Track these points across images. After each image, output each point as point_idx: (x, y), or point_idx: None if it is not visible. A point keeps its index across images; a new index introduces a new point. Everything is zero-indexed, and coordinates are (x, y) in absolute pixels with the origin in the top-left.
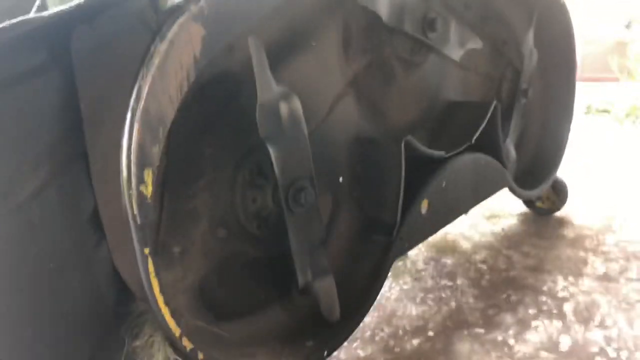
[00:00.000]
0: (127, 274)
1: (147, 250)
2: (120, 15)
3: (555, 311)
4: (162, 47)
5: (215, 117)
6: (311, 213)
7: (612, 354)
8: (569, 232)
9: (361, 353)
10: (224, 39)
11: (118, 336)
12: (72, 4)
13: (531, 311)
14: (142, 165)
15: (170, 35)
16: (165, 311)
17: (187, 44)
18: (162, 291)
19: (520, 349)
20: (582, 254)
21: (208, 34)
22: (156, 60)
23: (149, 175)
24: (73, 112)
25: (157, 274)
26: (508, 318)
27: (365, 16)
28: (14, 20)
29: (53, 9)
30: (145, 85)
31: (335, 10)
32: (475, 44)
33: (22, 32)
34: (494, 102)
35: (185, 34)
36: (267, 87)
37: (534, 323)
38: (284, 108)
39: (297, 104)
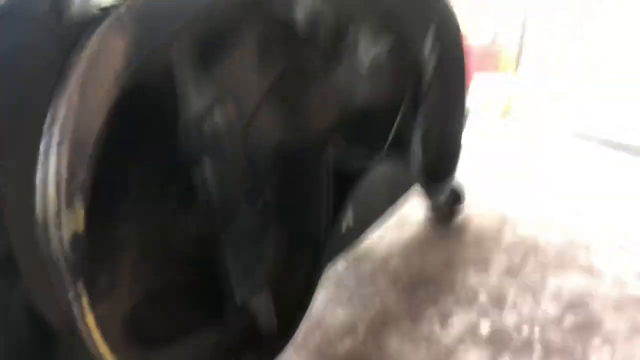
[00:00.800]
0: (51, 314)
1: (81, 285)
2: (19, 22)
3: (472, 299)
4: (82, 59)
5: (140, 134)
6: (246, 230)
7: (527, 332)
8: (470, 234)
9: (295, 358)
10: (152, 43)
11: None
12: None
13: (450, 299)
14: (71, 194)
15: (91, 44)
16: (103, 346)
17: (109, 54)
18: (98, 325)
19: (446, 336)
20: (485, 251)
21: (133, 41)
22: (77, 72)
23: (79, 207)
24: None
25: (93, 309)
26: (430, 310)
27: (280, 24)
28: None
29: None
30: (64, 104)
31: (252, 19)
32: (381, 47)
33: None
34: (402, 105)
35: (107, 43)
36: (194, 100)
37: (454, 309)
38: (215, 118)
39: (226, 116)
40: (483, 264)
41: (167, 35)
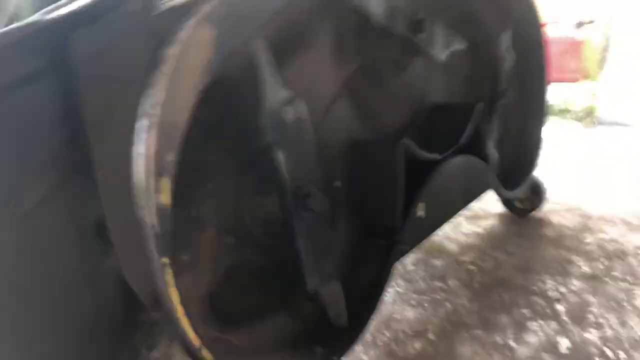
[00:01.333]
0: (137, 285)
1: (166, 260)
2: (118, 18)
3: (548, 311)
4: (173, 51)
5: (221, 122)
6: (319, 219)
7: (611, 355)
8: (550, 232)
9: (364, 357)
10: (235, 40)
11: (130, 347)
12: (70, 7)
13: (525, 311)
14: (159, 174)
15: (181, 37)
16: (185, 322)
17: (198, 47)
18: (180, 301)
19: (522, 351)
20: (565, 253)
21: (219, 36)
22: (168, 65)
23: (166, 184)
24: (74, 118)
25: (176, 284)
26: (504, 319)
27: (356, 17)
28: (12, 26)
29: (52, 14)
30: (158, 90)
31: (328, 11)
32: (459, 44)
33: (19, 38)
34: (478, 104)
35: (197, 36)
36: (273, 91)
37: (530, 324)
38: (289, 112)
39: (302, 108)
40: (562, 269)
41: (250, 30)
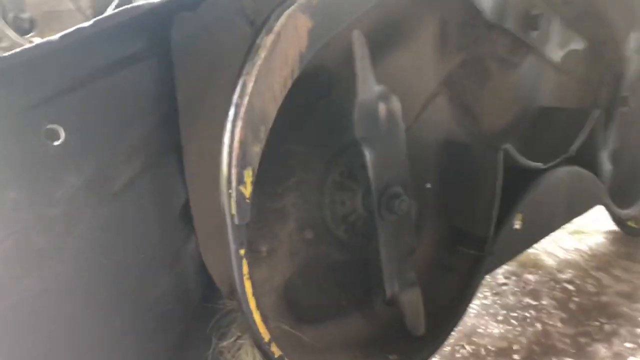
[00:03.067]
0: (215, 272)
1: (242, 251)
2: (218, 3)
3: None
4: (268, 40)
5: (307, 115)
6: (403, 221)
7: None
8: None
9: None
10: (332, 31)
11: (204, 332)
12: None
13: (628, 345)
14: (242, 165)
15: (277, 27)
16: (257, 315)
17: (294, 38)
18: (254, 294)
19: None
20: None
21: (315, 27)
22: (262, 54)
23: (248, 176)
24: (168, 102)
25: (251, 276)
26: (602, 350)
27: (465, 10)
28: (121, 8)
29: None
30: (249, 80)
31: (433, 3)
32: (576, 44)
33: (124, 19)
34: (594, 110)
35: (293, 27)
36: (368, 85)
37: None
38: (382, 108)
39: (396, 105)
40: None
41: (347, 22)
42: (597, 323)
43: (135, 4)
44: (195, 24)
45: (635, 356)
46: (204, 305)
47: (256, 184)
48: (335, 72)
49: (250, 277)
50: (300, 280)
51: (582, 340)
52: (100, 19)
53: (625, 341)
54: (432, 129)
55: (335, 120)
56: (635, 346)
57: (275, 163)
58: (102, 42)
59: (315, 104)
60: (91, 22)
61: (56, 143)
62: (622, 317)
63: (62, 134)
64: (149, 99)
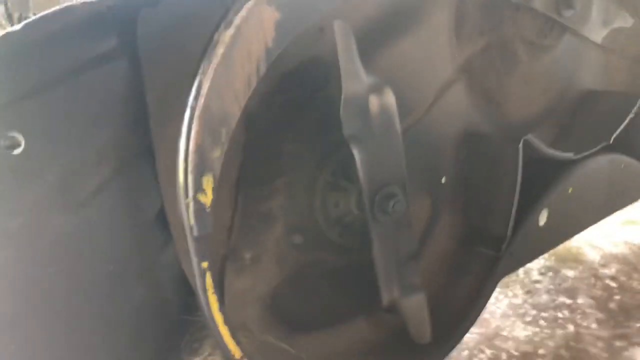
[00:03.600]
0: (194, 280)
1: (205, 265)
2: None
3: None
4: (226, 36)
5: (298, 110)
6: (400, 223)
7: None
8: None
9: None
10: (304, 23)
11: (176, 348)
12: None
13: None
14: (200, 171)
15: (237, 20)
16: (224, 331)
17: (257, 31)
18: (220, 309)
19: None
20: None
21: (283, 18)
22: (220, 51)
23: (208, 183)
24: (139, 103)
25: (217, 290)
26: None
27: None
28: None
29: None
30: (206, 80)
31: None
32: (623, 21)
33: (90, 14)
34: None
35: (256, 20)
36: (355, 77)
37: None
38: (374, 102)
39: (389, 98)
40: None
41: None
42: (638, 325)
43: None
44: (162, 19)
45: None
46: (182, 317)
47: (241, 185)
48: (333, 64)
49: (222, 290)
50: (290, 288)
51: (618, 343)
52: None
53: None
54: (448, 119)
55: (330, 115)
56: None
57: (262, 163)
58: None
59: (310, 98)
60: (50, 15)
61: (16, 152)
62: None
63: (22, 142)
64: (119, 101)
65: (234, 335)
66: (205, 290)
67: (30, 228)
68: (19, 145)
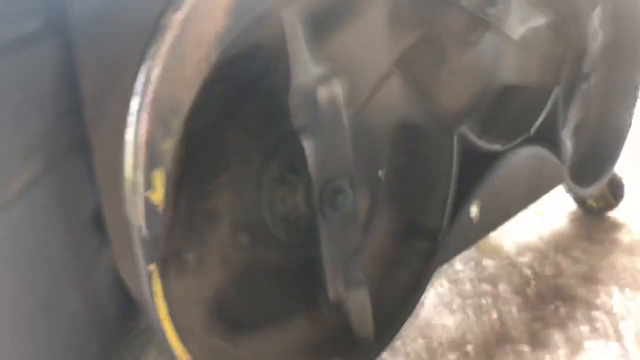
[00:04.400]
0: (132, 284)
1: (152, 267)
2: None
3: (611, 331)
4: (175, 20)
5: (241, 101)
6: (348, 218)
7: None
8: (625, 237)
9: None
10: (255, 9)
11: (118, 354)
12: None
13: (583, 328)
14: (151, 165)
15: (186, 4)
16: (172, 335)
17: (208, 16)
18: (169, 314)
19: None
20: None
21: (235, 4)
22: (169, 35)
23: (159, 178)
24: (71, 91)
25: (164, 294)
26: (557, 336)
27: None
28: None
29: None
30: (155, 66)
31: None
32: (536, 21)
33: None
34: (555, 88)
35: (207, 3)
36: (304, 68)
37: (587, 344)
38: (322, 93)
39: (337, 89)
40: (634, 282)
41: None
42: (552, 307)
43: None
44: None
45: (590, 340)
46: (120, 323)
47: (182, 182)
48: (275, 53)
49: (169, 293)
50: (235, 289)
51: (537, 326)
52: None
53: (580, 324)
54: (385, 113)
55: (275, 107)
56: (590, 329)
57: (204, 157)
58: None
59: (254, 88)
60: None
61: None
62: (577, 300)
63: None
64: (48, 89)
65: (182, 341)
66: (152, 295)
67: None
68: None
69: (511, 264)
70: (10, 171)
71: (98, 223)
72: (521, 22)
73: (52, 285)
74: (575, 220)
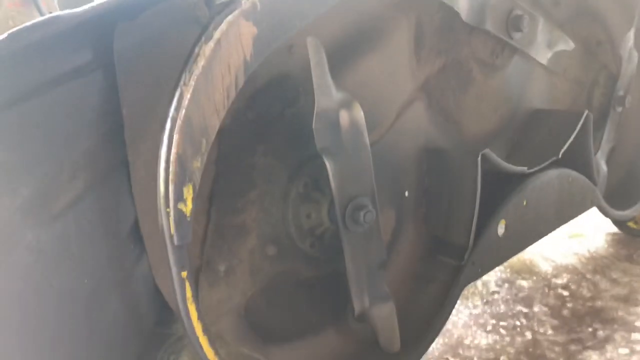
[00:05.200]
0: (168, 293)
1: (184, 274)
2: (168, 10)
3: None
4: (207, 48)
5: (270, 124)
6: (371, 234)
7: None
8: None
9: None
10: (280, 38)
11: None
12: None
13: (622, 351)
14: (181, 181)
15: (217, 34)
16: (204, 341)
17: (236, 45)
18: (199, 318)
19: None
20: None
21: (261, 33)
22: (200, 63)
23: (189, 192)
24: (114, 116)
25: (195, 299)
26: (594, 357)
27: (442, 13)
28: (56, 14)
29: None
30: (187, 91)
31: (408, 6)
32: (566, 45)
33: (66, 27)
34: (585, 111)
35: (235, 33)
36: (327, 93)
37: None
38: (344, 117)
39: (359, 113)
40: None
41: (297, 29)
42: (590, 329)
43: (71, 10)
44: (139, 33)
45: None
46: (157, 330)
47: (214, 198)
48: (302, 80)
49: (199, 300)
50: (264, 299)
51: (573, 347)
52: (43, 22)
53: (619, 347)
54: (409, 136)
55: (302, 130)
56: (629, 352)
57: (235, 176)
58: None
59: (282, 114)
60: (32, 26)
61: None
62: (617, 322)
63: None
64: (94, 114)
65: (212, 346)
66: (184, 300)
67: (4, 242)
68: None
69: (547, 285)
70: (59, 187)
71: (137, 235)
72: (549, 46)
73: (94, 292)
74: (615, 242)
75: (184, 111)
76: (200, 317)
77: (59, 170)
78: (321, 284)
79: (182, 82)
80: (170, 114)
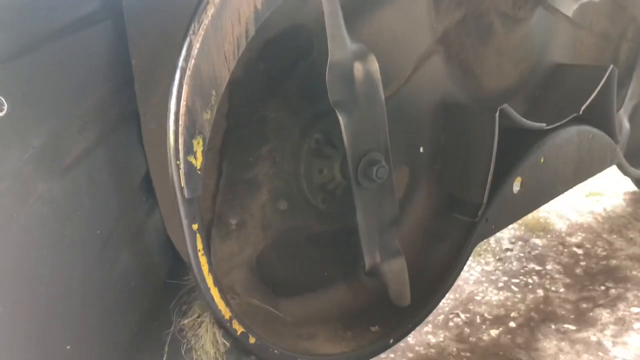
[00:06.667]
0: (180, 245)
1: (195, 226)
2: None
3: None
4: None
5: (282, 78)
6: (383, 189)
7: None
8: None
9: (432, 339)
10: None
11: (168, 310)
12: None
13: (635, 310)
14: (191, 133)
15: None
16: (215, 292)
17: None
18: (210, 270)
19: (619, 354)
20: None
21: None
22: (210, 12)
23: (198, 145)
24: (123, 67)
25: (206, 252)
26: (605, 315)
27: None
28: None
29: None
30: (196, 40)
31: None
32: None
33: None
34: (611, 66)
35: None
36: (340, 44)
37: (636, 325)
38: (358, 69)
39: (374, 65)
40: None
41: None
42: (602, 288)
43: None
44: None
45: None
46: (169, 281)
47: (225, 152)
48: (316, 31)
49: (210, 252)
50: (276, 253)
51: (584, 305)
52: None
53: (631, 305)
54: (426, 90)
55: (315, 84)
56: None
57: (246, 130)
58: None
59: (293, 66)
60: None
61: None
62: (630, 281)
63: (5, 105)
64: (103, 65)
65: (223, 297)
66: (196, 252)
67: (16, 192)
68: (1, 108)
69: (561, 243)
70: (70, 138)
71: (149, 187)
72: None
73: (107, 243)
74: (633, 201)
75: (193, 61)
76: (211, 270)
77: (69, 121)
78: (332, 239)
79: (191, 32)
80: (179, 65)
